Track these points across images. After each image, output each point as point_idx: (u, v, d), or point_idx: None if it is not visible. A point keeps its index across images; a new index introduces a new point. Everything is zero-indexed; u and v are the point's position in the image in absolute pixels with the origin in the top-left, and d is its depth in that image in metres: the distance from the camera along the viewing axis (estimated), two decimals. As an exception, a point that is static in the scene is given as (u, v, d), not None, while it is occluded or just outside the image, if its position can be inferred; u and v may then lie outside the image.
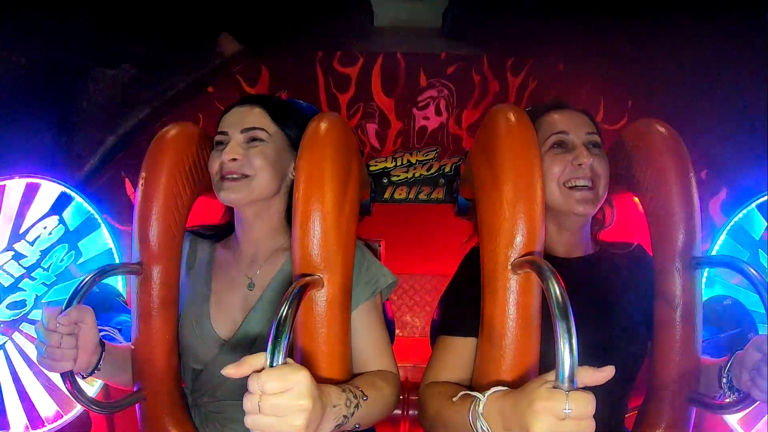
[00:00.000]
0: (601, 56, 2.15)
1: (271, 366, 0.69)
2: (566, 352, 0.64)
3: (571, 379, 0.63)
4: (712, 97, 1.90)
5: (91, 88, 1.99)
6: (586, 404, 0.62)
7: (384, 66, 2.33)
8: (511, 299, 0.91)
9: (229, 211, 1.23)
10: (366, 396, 0.92)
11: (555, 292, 0.70)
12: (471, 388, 0.93)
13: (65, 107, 1.98)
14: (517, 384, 0.77)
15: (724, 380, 0.99)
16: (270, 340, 0.70)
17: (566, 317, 0.66)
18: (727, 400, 0.99)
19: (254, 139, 1.10)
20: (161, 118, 2.17)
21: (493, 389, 0.77)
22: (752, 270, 0.94)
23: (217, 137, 1.13)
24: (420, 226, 2.52)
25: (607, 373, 0.65)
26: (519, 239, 0.91)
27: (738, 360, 0.96)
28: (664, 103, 2.09)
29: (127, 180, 2.18)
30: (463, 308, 1.05)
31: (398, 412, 1.98)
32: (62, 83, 1.93)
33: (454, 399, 0.86)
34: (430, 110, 2.34)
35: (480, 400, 0.77)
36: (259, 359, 0.71)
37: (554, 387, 0.64)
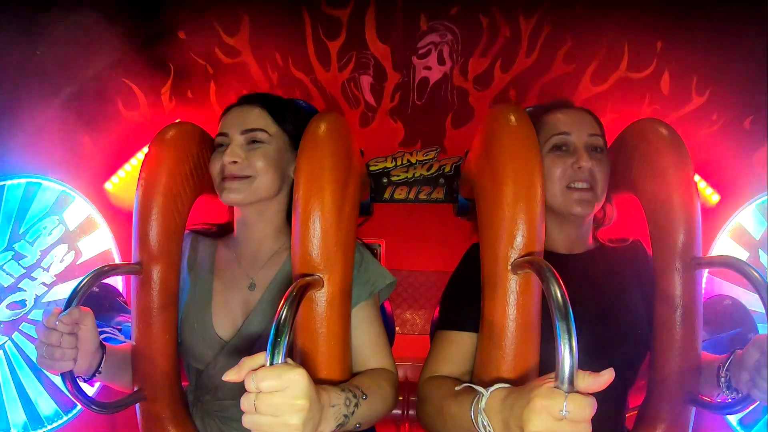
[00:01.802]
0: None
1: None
2: (566, 352, 0.63)
3: (571, 381, 0.63)
4: (755, 40, 1.69)
5: (50, 32, 1.79)
6: (585, 407, 0.62)
7: (379, 6, 2.01)
8: (511, 299, 0.91)
9: (231, 210, 1.23)
10: (366, 395, 0.92)
11: (555, 293, 0.70)
12: (471, 383, 0.94)
13: (21, 51, 1.79)
14: (517, 384, 0.77)
15: (723, 379, 0.99)
16: (270, 340, 0.70)
17: (566, 318, 0.66)
18: (727, 400, 0.99)
19: (255, 141, 1.10)
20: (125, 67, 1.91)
21: (496, 386, 0.77)
22: (752, 270, 0.94)
23: (218, 139, 1.13)
24: (420, 224, 2.45)
25: (606, 377, 0.65)
26: (519, 239, 0.91)
27: (737, 360, 0.96)
28: (698, 47, 1.85)
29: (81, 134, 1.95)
30: (462, 303, 1.05)
31: (398, 412, 1.98)
32: (18, 24, 1.73)
33: (457, 388, 0.87)
34: (431, 58, 2.05)
35: (483, 395, 0.77)
36: (258, 360, 0.71)
37: (555, 387, 0.64)
